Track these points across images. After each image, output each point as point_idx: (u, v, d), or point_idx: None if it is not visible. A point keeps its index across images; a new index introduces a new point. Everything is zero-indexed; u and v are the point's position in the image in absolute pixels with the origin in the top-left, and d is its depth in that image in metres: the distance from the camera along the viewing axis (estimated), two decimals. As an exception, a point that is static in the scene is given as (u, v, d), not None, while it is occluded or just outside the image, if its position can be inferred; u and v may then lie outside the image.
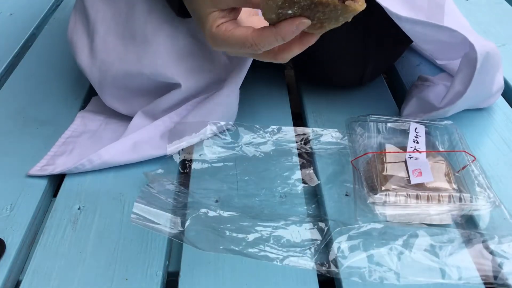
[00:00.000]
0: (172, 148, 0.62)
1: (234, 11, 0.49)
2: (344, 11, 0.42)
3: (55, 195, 0.61)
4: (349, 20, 0.43)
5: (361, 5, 0.42)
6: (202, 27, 0.50)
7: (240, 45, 0.47)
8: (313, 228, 0.53)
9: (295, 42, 0.47)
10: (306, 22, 0.43)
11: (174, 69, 0.62)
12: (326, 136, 0.66)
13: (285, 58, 0.48)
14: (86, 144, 0.66)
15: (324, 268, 0.49)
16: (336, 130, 0.66)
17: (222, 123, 0.65)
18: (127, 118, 0.69)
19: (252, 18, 0.52)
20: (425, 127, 0.63)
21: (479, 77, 0.60)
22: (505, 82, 0.75)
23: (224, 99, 0.64)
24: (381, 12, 0.61)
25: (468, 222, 0.54)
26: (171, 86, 0.65)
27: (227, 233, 0.51)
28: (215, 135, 0.65)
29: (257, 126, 0.67)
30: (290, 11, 0.43)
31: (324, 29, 0.46)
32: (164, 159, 0.63)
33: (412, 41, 0.71)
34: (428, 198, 0.54)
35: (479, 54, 0.58)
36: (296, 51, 0.48)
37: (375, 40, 0.67)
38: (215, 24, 0.48)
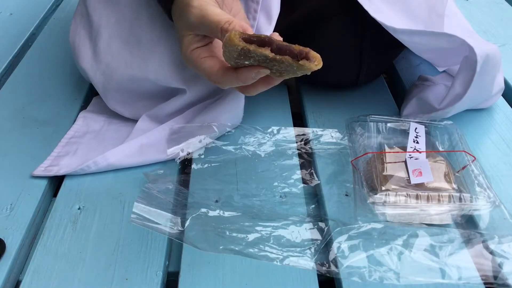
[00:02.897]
0: (172, 149, 0.62)
1: (207, 37, 0.50)
2: (299, 68, 0.43)
3: (55, 195, 0.61)
4: (309, 73, 0.44)
5: (316, 65, 0.42)
6: (180, 45, 0.52)
7: (206, 77, 0.49)
8: (313, 228, 0.53)
9: (260, 81, 0.48)
10: (264, 71, 0.45)
11: (180, 74, 0.62)
12: (326, 136, 0.66)
13: (251, 93, 0.50)
14: (90, 144, 0.66)
15: (324, 268, 0.49)
16: (336, 130, 0.66)
17: (222, 124, 0.65)
18: (130, 119, 0.69)
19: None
20: (425, 127, 0.63)
21: (479, 79, 0.60)
22: (505, 82, 0.75)
23: (230, 104, 0.64)
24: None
25: (468, 222, 0.54)
26: (176, 91, 0.65)
27: (227, 233, 0.51)
28: (216, 137, 0.65)
29: (257, 126, 0.67)
30: (247, 62, 0.44)
31: (284, 78, 0.47)
32: (165, 160, 0.63)
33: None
34: (428, 198, 0.54)
35: (479, 56, 0.58)
36: (262, 88, 0.50)
37: (370, 42, 0.67)
38: (190, 47, 0.50)
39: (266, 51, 0.42)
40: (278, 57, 0.42)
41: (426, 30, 0.60)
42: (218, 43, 0.52)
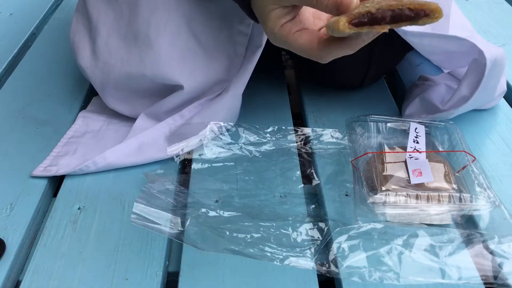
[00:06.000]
0: (172, 149, 0.62)
1: (296, 8, 0.45)
2: (419, 25, 0.39)
3: (55, 195, 0.61)
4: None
5: (437, 18, 0.37)
6: (264, 24, 0.47)
7: (303, 54, 0.45)
8: (313, 228, 0.53)
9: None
10: (380, 31, 0.39)
11: (176, 70, 0.62)
12: (326, 136, 0.66)
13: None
14: (89, 144, 0.66)
15: (324, 268, 0.49)
16: (336, 130, 0.66)
17: (222, 124, 0.65)
18: (129, 118, 0.69)
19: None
20: (425, 127, 0.63)
21: (486, 82, 0.60)
22: (506, 82, 0.75)
23: (227, 102, 0.64)
24: None
25: (468, 222, 0.54)
26: (174, 88, 0.65)
27: (227, 233, 0.51)
28: (216, 136, 0.65)
29: (257, 126, 0.67)
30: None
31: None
32: (164, 159, 0.63)
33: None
34: (428, 198, 0.54)
35: (488, 60, 0.58)
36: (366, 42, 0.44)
37: (380, 44, 0.67)
38: (279, 23, 0.45)
39: (382, 29, 0.37)
40: (395, 26, 0.37)
41: (436, 33, 0.60)
42: (305, 11, 0.47)
